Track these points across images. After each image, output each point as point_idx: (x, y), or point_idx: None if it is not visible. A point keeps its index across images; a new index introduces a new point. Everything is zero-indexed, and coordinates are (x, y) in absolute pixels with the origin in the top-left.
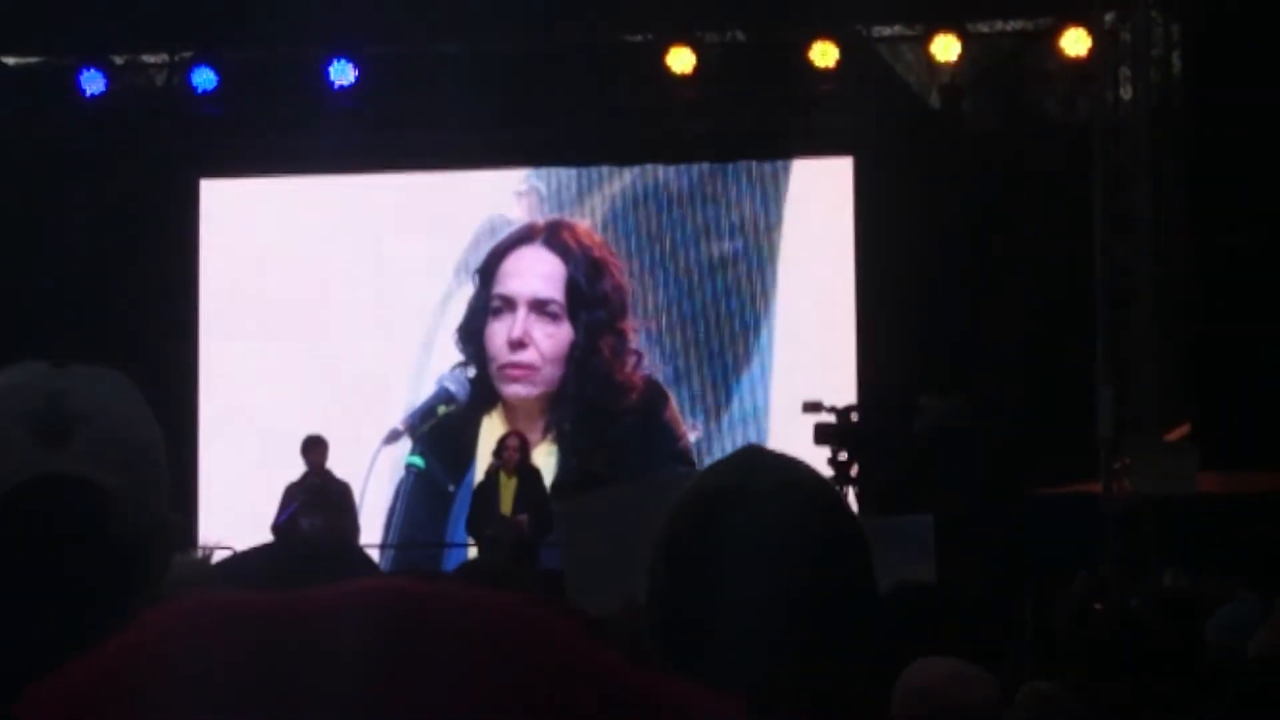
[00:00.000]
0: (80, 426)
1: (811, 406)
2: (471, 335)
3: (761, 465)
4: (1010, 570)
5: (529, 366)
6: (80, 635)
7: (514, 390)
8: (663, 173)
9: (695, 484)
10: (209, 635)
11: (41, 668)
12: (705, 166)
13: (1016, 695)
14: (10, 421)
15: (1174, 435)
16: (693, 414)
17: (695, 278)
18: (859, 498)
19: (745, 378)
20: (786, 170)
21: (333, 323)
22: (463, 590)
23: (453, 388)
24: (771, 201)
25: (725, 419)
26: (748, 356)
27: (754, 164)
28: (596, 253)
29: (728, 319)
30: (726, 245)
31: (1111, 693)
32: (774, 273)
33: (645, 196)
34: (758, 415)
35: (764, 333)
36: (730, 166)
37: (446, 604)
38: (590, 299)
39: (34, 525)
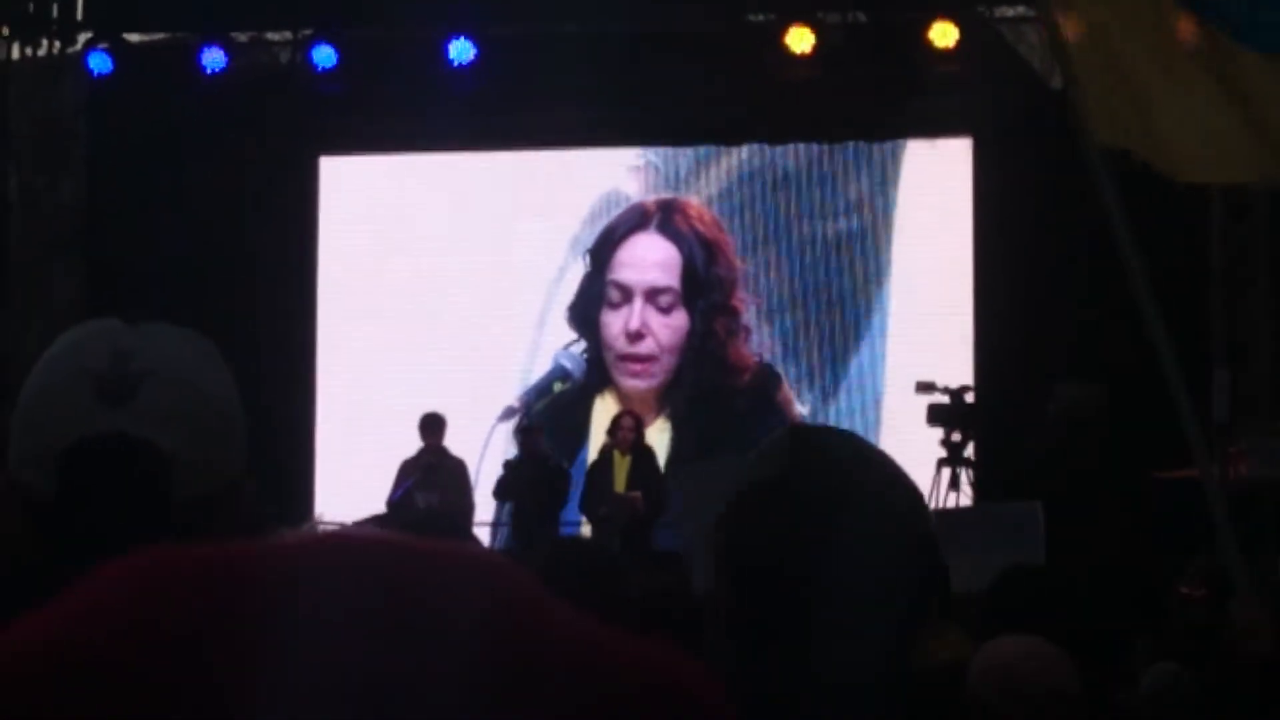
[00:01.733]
0: (145, 386)
1: (925, 387)
2: (586, 320)
3: (806, 460)
4: (1148, 554)
5: (648, 359)
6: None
7: (633, 384)
8: (779, 151)
9: (744, 474)
10: (177, 590)
11: None
12: (821, 146)
13: (1146, 675)
14: (74, 378)
15: None
16: (801, 395)
17: (809, 257)
18: (973, 479)
19: (857, 358)
20: (904, 151)
21: (449, 299)
22: (443, 547)
23: (568, 365)
24: (889, 182)
25: (837, 400)
26: (860, 337)
27: (871, 144)
28: (710, 234)
29: (839, 299)
30: (841, 224)
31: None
32: (889, 254)
33: (761, 174)
34: (869, 396)
35: (877, 314)
36: (848, 146)
37: (432, 564)
38: (706, 283)
39: (91, 484)
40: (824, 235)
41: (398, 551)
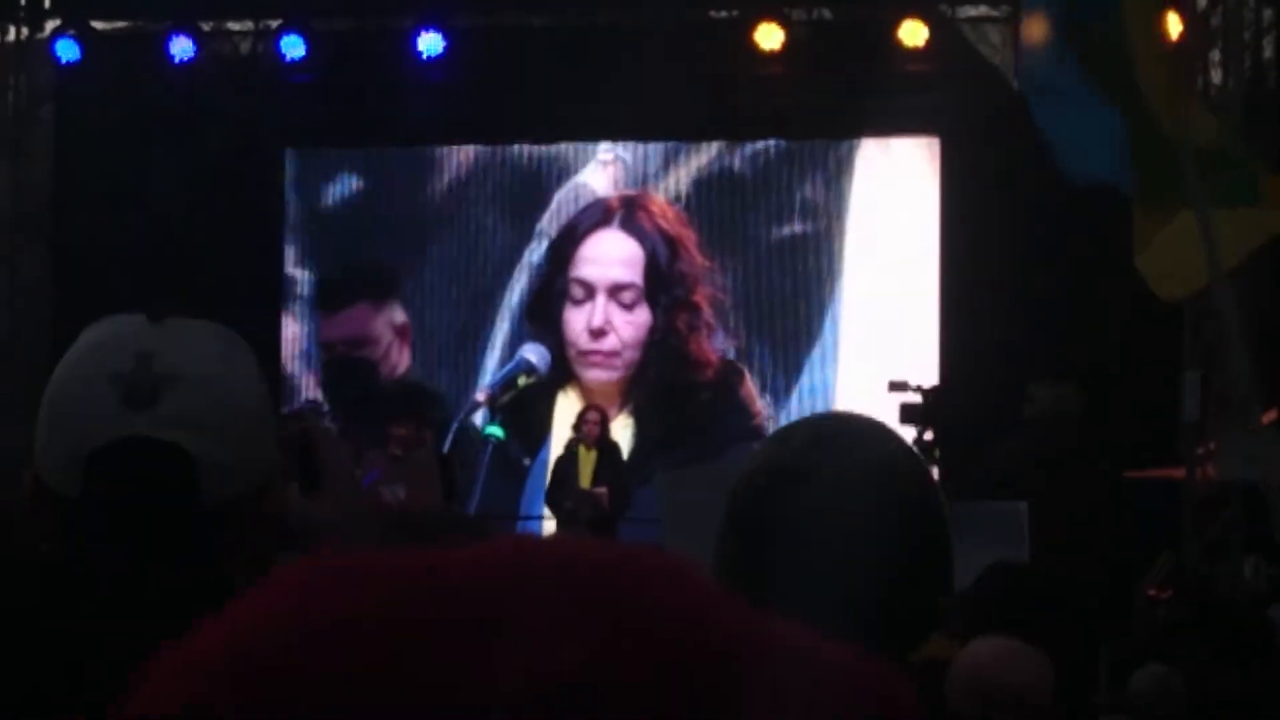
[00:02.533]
0: (170, 388)
1: (897, 386)
2: (548, 318)
3: (828, 441)
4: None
5: (610, 353)
6: (163, 600)
7: (594, 375)
8: (747, 148)
9: (763, 454)
10: (352, 594)
11: (122, 633)
12: (789, 143)
13: (1133, 676)
14: (98, 380)
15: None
16: (764, 391)
17: (776, 253)
18: (944, 478)
19: (816, 356)
20: (872, 149)
21: (416, 292)
22: (586, 544)
23: (534, 359)
24: (856, 181)
25: (793, 398)
26: (820, 335)
27: (838, 142)
28: (673, 230)
29: (803, 296)
30: (807, 222)
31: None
32: (856, 252)
33: (730, 171)
34: (830, 394)
35: (837, 311)
36: (814, 144)
37: (568, 557)
38: (668, 279)
39: (116, 487)
40: (786, 231)
41: (597, 558)
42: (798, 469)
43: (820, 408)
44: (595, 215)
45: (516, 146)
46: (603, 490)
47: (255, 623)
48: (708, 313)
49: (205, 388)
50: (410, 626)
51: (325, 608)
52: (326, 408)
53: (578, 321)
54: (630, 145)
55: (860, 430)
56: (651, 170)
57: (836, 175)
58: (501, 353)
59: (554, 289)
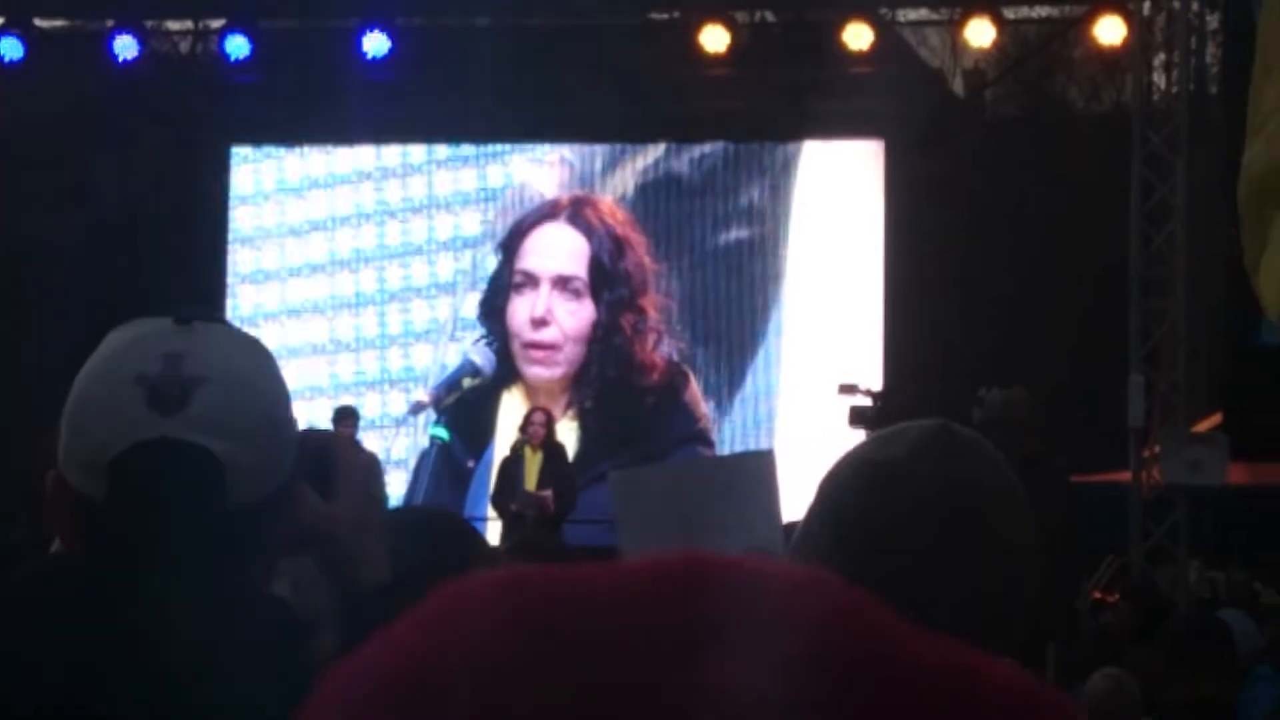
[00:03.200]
0: (198, 392)
1: (847, 389)
2: (494, 311)
3: (932, 450)
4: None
5: (551, 346)
6: (189, 604)
7: (536, 372)
8: (692, 150)
9: (861, 455)
10: (515, 611)
11: (149, 633)
12: (733, 145)
13: (1090, 679)
14: (125, 383)
15: (1205, 425)
16: (706, 394)
17: (721, 256)
18: None
19: (761, 361)
20: (816, 151)
21: (361, 293)
22: (773, 566)
23: (478, 360)
24: (800, 183)
25: (737, 401)
26: (765, 339)
27: (782, 144)
28: (620, 230)
29: (746, 301)
30: (753, 225)
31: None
32: (798, 255)
33: (674, 174)
34: (773, 397)
35: (782, 316)
36: (759, 147)
37: (766, 578)
38: (613, 276)
39: (142, 489)
40: (732, 235)
41: (752, 574)
42: (897, 468)
43: (764, 411)
44: (542, 210)
45: (461, 146)
46: (548, 492)
47: (417, 643)
48: (654, 318)
49: (232, 391)
50: (593, 645)
51: (496, 625)
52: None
53: (521, 312)
54: (575, 147)
55: (965, 442)
56: (596, 172)
57: (781, 178)
58: (448, 355)
59: (500, 283)
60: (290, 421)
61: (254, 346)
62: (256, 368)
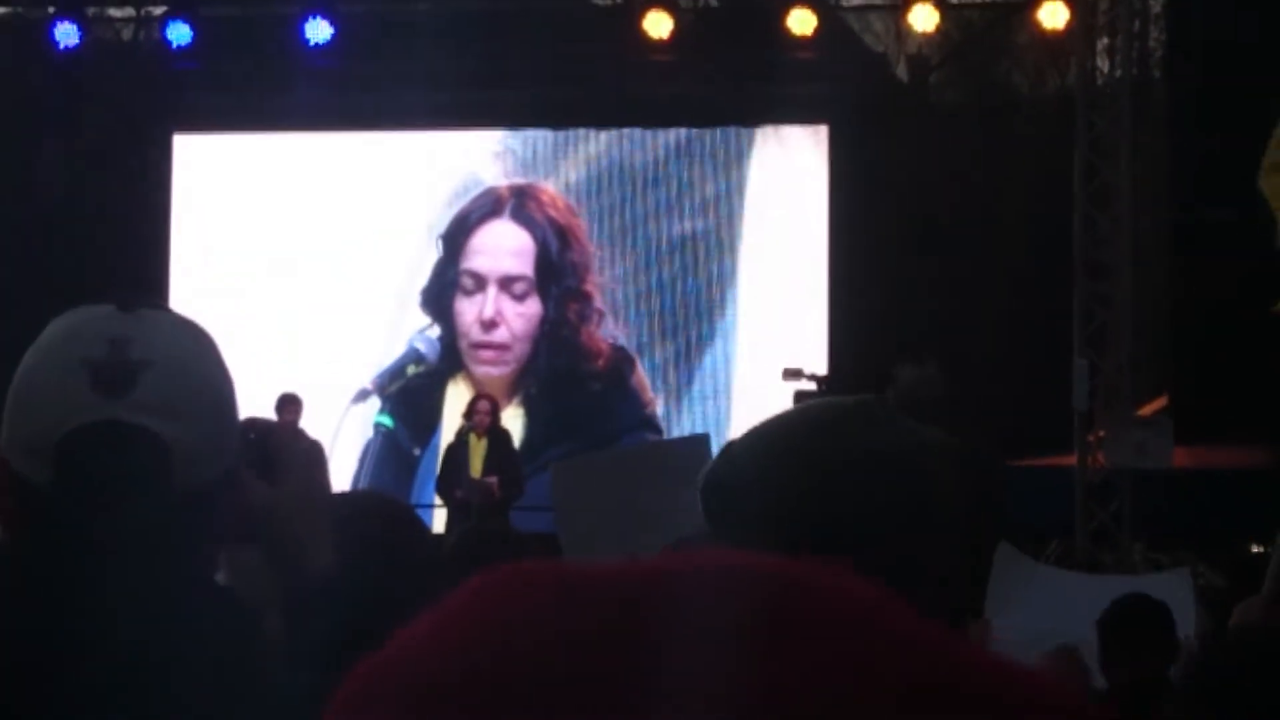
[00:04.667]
0: (143, 374)
1: (792, 374)
2: (440, 306)
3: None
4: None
5: (501, 347)
6: (137, 584)
7: (485, 371)
8: (638, 137)
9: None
10: (556, 605)
11: (98, 617)
12: (679, 132)
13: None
14: (70, 367)
15: (1150, 409)
16: (655, 382)
17: (666, 242)
18: None
19: (710, 348)
20: (761, 138)
21: (305, 280)
22: (827, 571)
23: (423, 348)
24: (747, 168)
25: (691, 388)
26: (713, 326)
27: (729, 130)
28: (563, 220)
29: (694, 288)
30: (697, 211)
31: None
32: (745, 240)
33: (620, 161)
34: (721, 383)
35: (731, 301)
36: (705, 132)
37: (821, 583)
38: (559, 269)
39: (88, 472)
40: (679, 222)
41: (770, 570)
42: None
43: (715, 397)
44: (486, 206)
45: (404, 133)
46: (493, 479)
47: (434, 638)
48: (598, 300)
49: (177, 374)
50: (597, 639)
51: (505, 619)
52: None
53: (469, 313)
54: (520, 135)
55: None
56: (542, 159)
57: (727, 163)
58: (393, 343)
59: (445, 279)
60: (234, 406)
61: (197, 332)
62: (200, 352)
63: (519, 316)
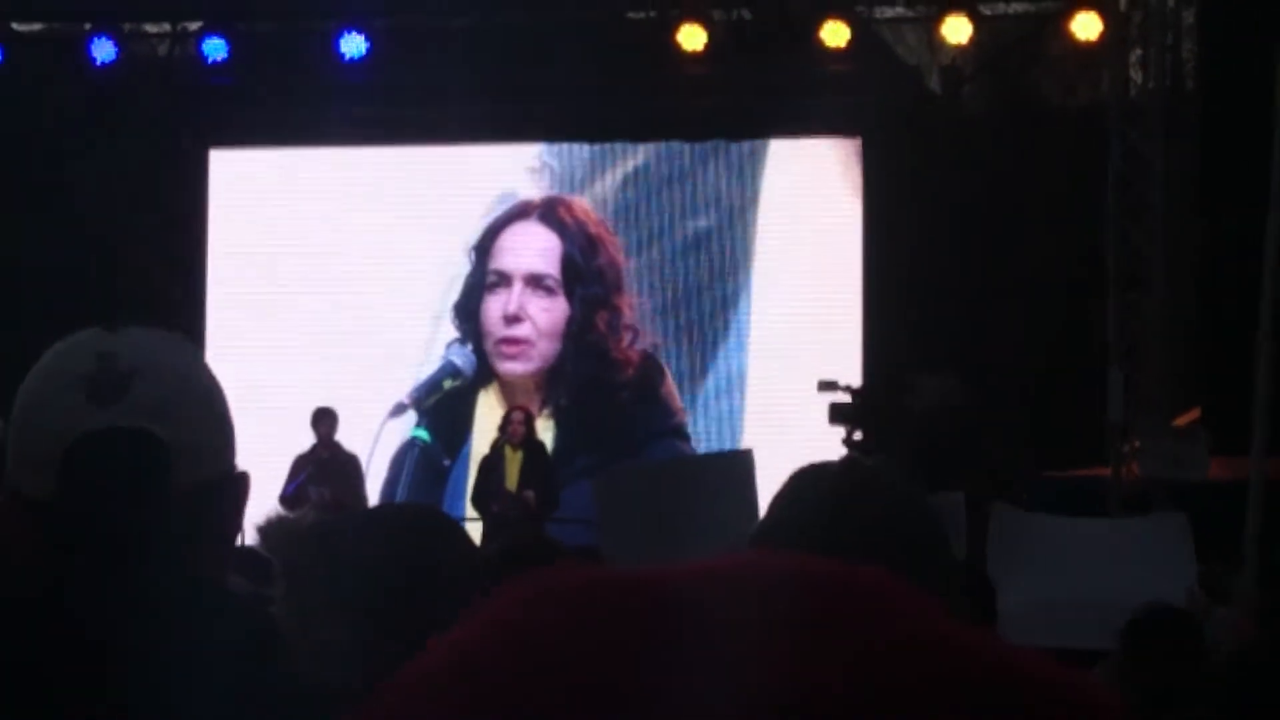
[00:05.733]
0: (134, 382)
1: (826, 385)
2: (469, 312)
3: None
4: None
5: (524, 341)
6: (144, 586)
7: (510, 368)
8: (672, 150)
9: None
10: (590, 609)
11: (105, 618)
12: (713, 145)
13: None
14: (66, 384)
15: (1184, 420)
16: (684, 391)
17: (699, 255)
18: None
19: (739, 359)
20: (793, 149)
21: (342, 295)
22: (864, 570)
23: (459, 362)
24: (778, 180)
25: (709, 397)
26: (744, 339)
27: (760, 142)
28: (592, 229)
29: (725, 299)
30: (732, 227)
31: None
32: (777, 252)
33: (653, 172)
34: (744, 396)
35: (761, 313)
36: (739, 145)
37: (855, 581)
38: (586, 274)
39: (91, 478)
40: (713, 235)
41: (804, 571)
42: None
43: (738, 408)
44: (514, 211)
45: (439, 148)
46: (530, 493)
47: (481, 641)
48: (629, 317)
49: (166, 379)
50: (641, 643)
51: (543, 622)
52: None
53: (494, 310)
54: (554, 148)
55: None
56: (577, 174)
57: (758, 175)
58: (429, 356)
59: (474, 284)
60: (225, 407)
61: (179, 342)
62: (185, 359)
63: (544, 313)
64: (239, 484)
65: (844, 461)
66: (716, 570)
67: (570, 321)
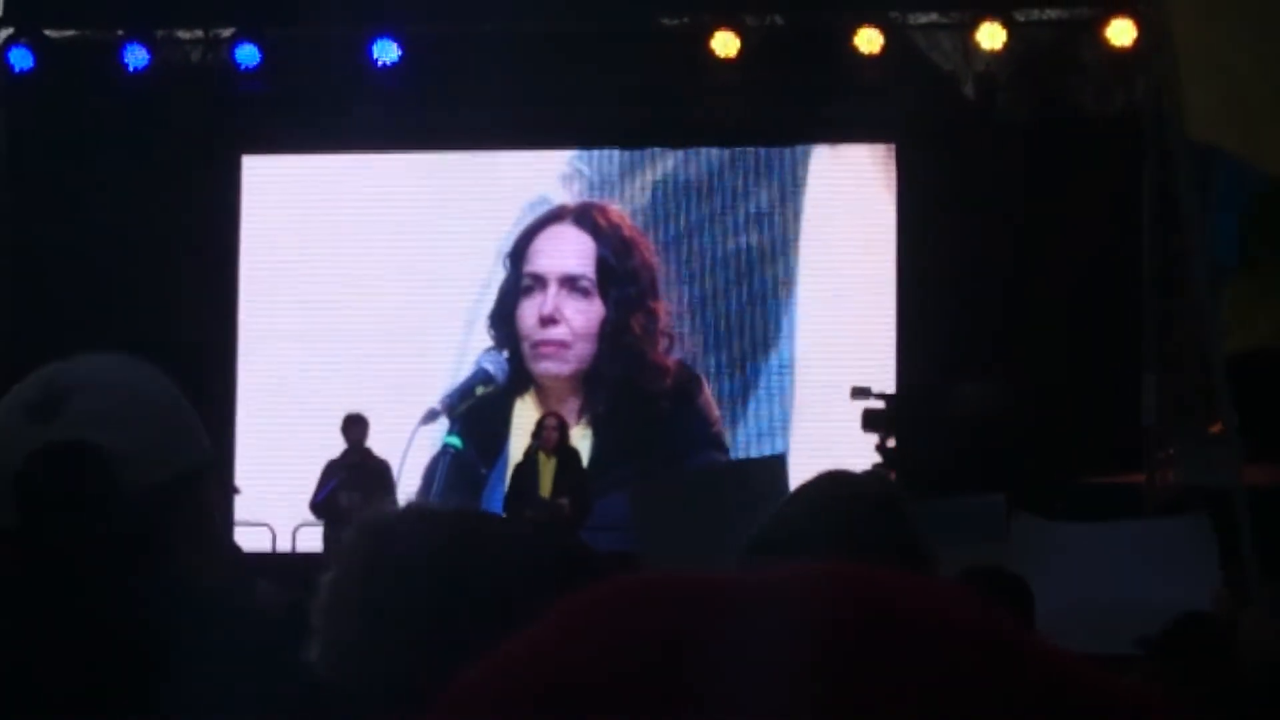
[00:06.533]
0: (72, 397)
1: (859, 392)
2: (504, 318)
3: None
4: None
5: (560, 343)
6: (108, 589)
7: (545, 367)
8: (706, 156)
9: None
10: (648, 616)
11: (75, 625)
12: (746, 151)
13: None
14: (10, 412)
15: (1219, 425)
16: (720, 398)
17: (733, 261)
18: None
19: (772, 364)
20: (827, 155)
21: (373, 301)
22: (917, 579)
23: (491, 368)
24: (812, 187)
25: (750, 405)
26: (778, 342)
27: (794, 149)
28: (626, 232)
29: (761, 306)
30: (765, 234)
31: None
32: (810, 259)
33: (686, 180)
34: (784, 402)
35: (795, 319)
36: (771, 151)
37: (910, 593)
38: (620, 275)
39: (42, 495)
40: (746, 241)
41: (858, 579)
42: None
43: (777, 414)
44: (548, 215)
45: (472, 154)
46: (564, 500)
47: (543, 649)
48: (665, 322)
49: (107, 390)
50: (675, 643)
51: (614, 629)
52: None
53: (530, 313)
54: (587, 155)
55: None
56: (610, 180)
57: (793, 182)
58: (462, 363)
59: (509, 289)
60: (184, 416)
61: (133, 362)
62: (133, 372)
63: (579, 314)
64: (204, 485)
65: (825, 475)
66: (773, 579)
67: (605, 323)
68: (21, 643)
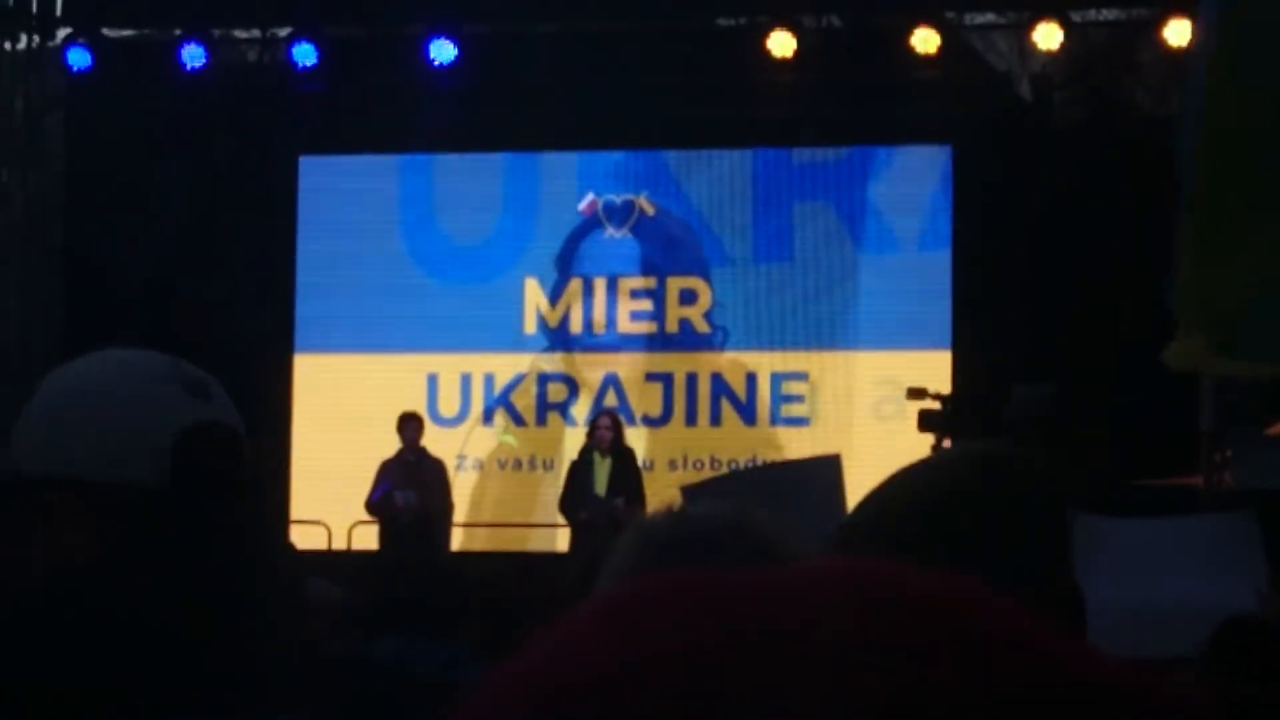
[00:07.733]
0: (211, 385)
1: (916, 393)
2: (557, 319)
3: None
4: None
5: (612, 344)
6: (251, 570)
7: (599, 373)
8: (762, 158)
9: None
10: (684, 613)
11: (224, 598)
12: (801, 151)
13: None
14: (155, 382)
15: (1278, 429)
16: (776, 394)
17: (788, 262)
18: None
19: (829, 366)
20: (883, 156)
21: (429, 301)
22: (943, 577)
23: (546, 368)
24: (868, 188)
25: (806, 404)
26: (834, 342)
27: (851, 149)
28: (674, 230)
29: (814, 307)
30: (820, 234)
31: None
32: (867, 259)
33: (741, 179)
34: (843, 403)
35: (851, 319)
36: (828, 152)
37: (936, 591)
38: (672, 274)
39: (207, 466)
40: (801, 242)
41: (897, 577)
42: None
43: (835, 414)
44: (602, 215)
45: (529, 154)
46: (619, 500)
47: (578, 648)
48: (716, 319)
49: (221, 389)
50: (739, 648)
51: (648, 629)
52: None
53: (581, 316)
54: (643, 157)
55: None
56: (667, 181)
57: (848, 182)
58: (516, 362)
59: (560, 291)
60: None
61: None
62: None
63: (631, 315)
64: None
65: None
66: (819, 576)
67: (657, 322)
68: (167, 594)
